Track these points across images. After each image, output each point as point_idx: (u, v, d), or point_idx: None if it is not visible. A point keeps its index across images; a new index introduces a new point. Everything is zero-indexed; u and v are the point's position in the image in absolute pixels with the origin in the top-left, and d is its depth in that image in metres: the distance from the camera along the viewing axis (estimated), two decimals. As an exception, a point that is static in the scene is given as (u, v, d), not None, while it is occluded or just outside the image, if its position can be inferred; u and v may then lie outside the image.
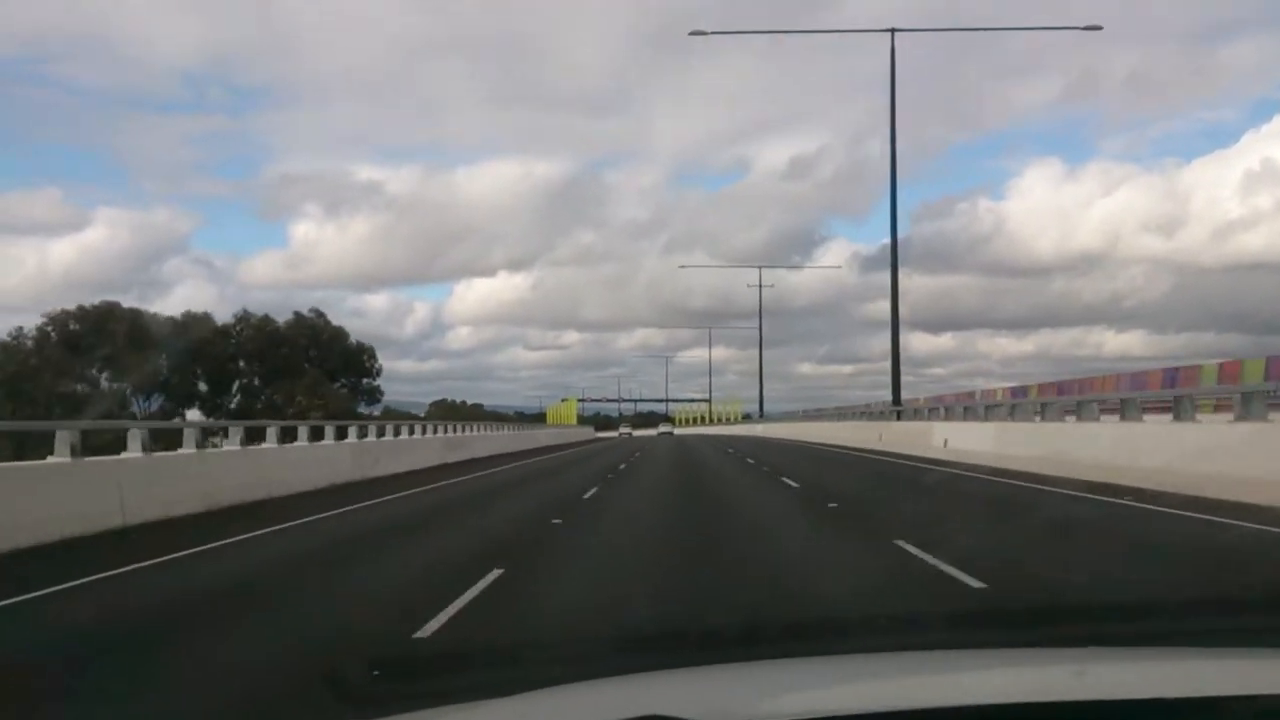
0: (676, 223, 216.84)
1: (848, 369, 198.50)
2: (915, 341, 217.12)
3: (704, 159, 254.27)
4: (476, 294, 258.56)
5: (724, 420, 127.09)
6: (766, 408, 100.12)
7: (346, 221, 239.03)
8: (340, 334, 71.69)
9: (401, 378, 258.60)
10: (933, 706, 1.77)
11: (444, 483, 23.16)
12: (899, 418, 35.10)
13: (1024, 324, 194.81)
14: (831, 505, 15.52)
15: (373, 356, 75.55)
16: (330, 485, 20.67)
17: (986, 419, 24.56)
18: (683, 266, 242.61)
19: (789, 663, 2.76)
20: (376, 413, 69.94)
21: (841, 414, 51.61)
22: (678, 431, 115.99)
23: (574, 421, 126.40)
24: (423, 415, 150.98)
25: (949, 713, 1.72)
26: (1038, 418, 22.62)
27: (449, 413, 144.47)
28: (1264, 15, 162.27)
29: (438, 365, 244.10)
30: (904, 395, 79.36)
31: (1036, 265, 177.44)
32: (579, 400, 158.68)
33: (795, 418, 71.88)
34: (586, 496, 17.81)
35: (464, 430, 38.71)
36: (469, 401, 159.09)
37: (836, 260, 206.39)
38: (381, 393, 77.83)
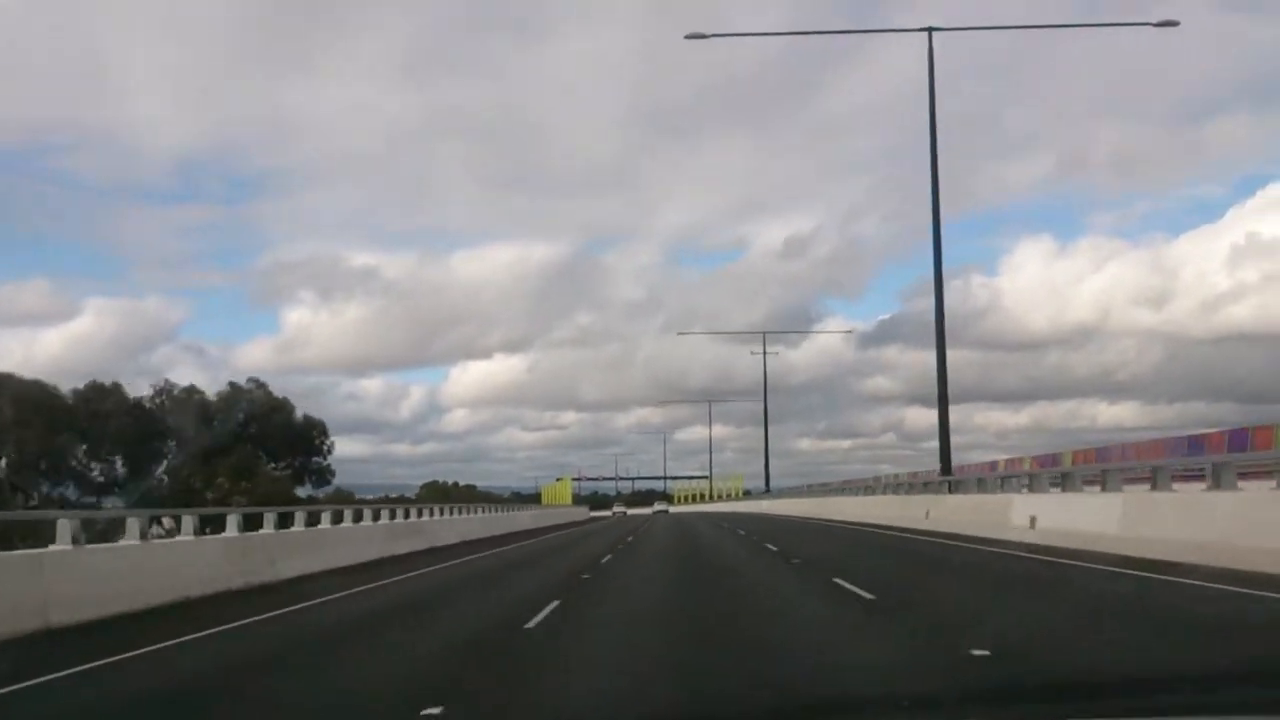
0: (673, 302, 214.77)
1: (846, 444, 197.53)
2: (911, 415, 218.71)
3: (701, 239, 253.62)
4: (472, 376, 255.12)
5: (725, 497, 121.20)
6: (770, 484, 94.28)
7: (340, 306, 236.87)
8: (283, 406, 64.14)
9: (397, 461, 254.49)
10: None
11: (362, 588, 16.62)
12: (951, 489, 28.66)
13: (1018, 397, 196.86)
14: (979, 653, 7.92)
15: (323, 433, 68.25)
16: (176, 600, 14.17)
17: (1107, 488, 18.00)
18: (681, 333, 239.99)
19: None
20: (321, 496, 63.12)
21: (871, 487, 45.02)
22: (676, 510, 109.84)
23: (569, 501, 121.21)
24: (414, 498, 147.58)
25: None
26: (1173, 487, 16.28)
27: (440, 495, 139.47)
28: (1246, 93, 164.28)
29: (434, 448, 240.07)
30: (902, 470, 74.18)
31: (1030, 339, 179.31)
32: (575, 479, 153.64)
33: (805, 492, 65.46)
34: (535, 622, 11.09)
35: (421, 515, 32.08)
36: (462, 483, 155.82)
37: (834, 339, 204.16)
38: (332, 473, 70.55)
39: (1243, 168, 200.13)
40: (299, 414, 67.83)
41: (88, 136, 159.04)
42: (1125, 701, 4.58)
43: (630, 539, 32.72)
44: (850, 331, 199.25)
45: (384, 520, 27.02)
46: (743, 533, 33.15)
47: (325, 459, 68.82)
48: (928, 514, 28.15)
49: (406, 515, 30.63)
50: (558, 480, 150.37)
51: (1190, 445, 31.76)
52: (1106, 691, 5.51)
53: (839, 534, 30.03)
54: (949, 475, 29.90)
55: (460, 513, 38.06)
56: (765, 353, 78.53)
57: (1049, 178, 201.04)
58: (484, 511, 43.58)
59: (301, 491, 60.30)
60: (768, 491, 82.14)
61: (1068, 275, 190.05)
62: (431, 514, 33.52)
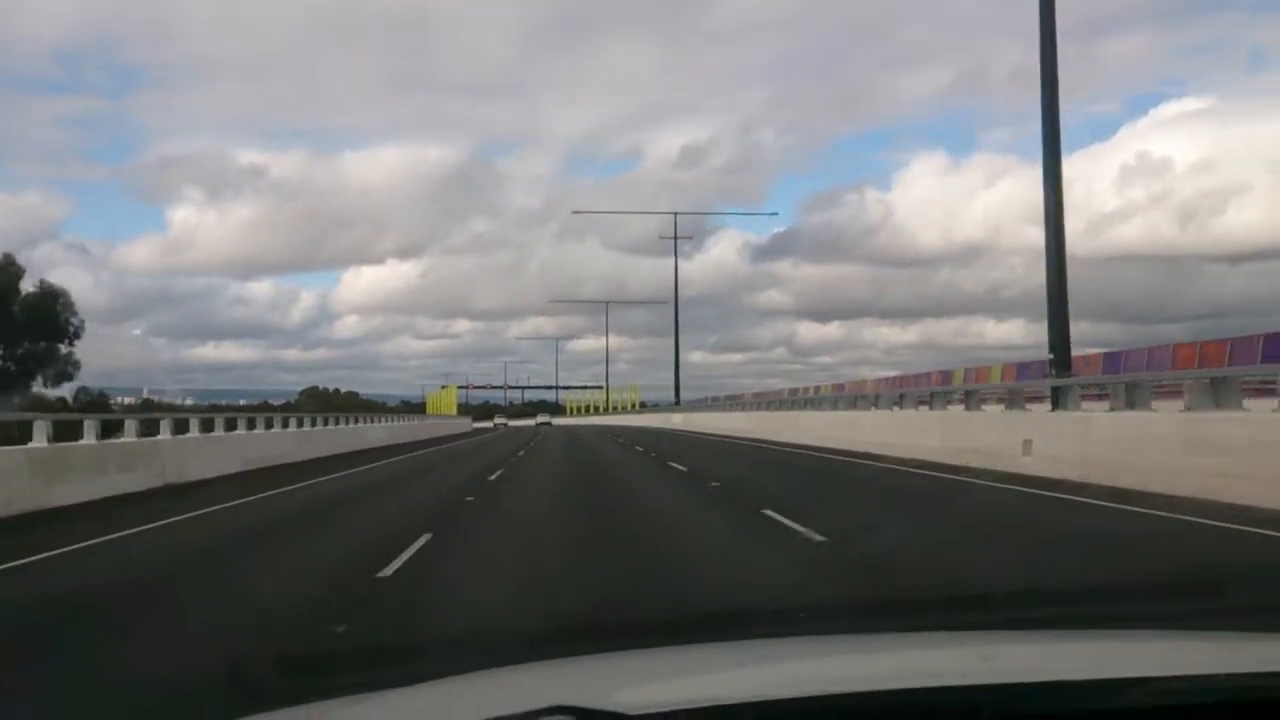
0: (569, 209, 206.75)
1: (738, 357, 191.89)
2: (803, 330, 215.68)
3: (598, 146, 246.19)
4: (365, 282, 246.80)
5: (623, 409, 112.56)
6: (664, 395, 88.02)
7: (228, 206, 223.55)
8: (6, 270, 49.16)
9: (286, 366, 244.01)
10: (840, 692, 1.70)
11: None
12: (1057, 404, 17.86)
13: (908, 313, 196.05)
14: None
15: (70, 310, 52.20)
16: None
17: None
18: (576, 212, 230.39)
19: (692, 649, 2.77)
20: (67, 396, 51.08)
21: (863, 398, 30.29)
22: (564, 422, 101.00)
23: (453, 411, 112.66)
24: (293, 404, 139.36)
25: (855, 698, 1.64)
26: None
27: (321, 403, 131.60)
28: (1145, 12, 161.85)
29: (325, 354, 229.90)
30: (790, 385, 66.93)
31: (921, 255, 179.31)
32: (462, 388, 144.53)
33: (730, 405, 55.80)
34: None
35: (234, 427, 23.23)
36: (344, 390, 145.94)
37: (728, 252, 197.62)
38: (76, 365, 53.99)
39: (1137, 86, 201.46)
40: (30, 284, 51.41)
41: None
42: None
43: (521, 453, 28.84)
44: (775, 214, 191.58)
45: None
46: (660, 460, 25.14)
47: (70, 344, 52.50)
48: (1027, 445, 19.81)
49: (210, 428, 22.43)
50: (442, 388, 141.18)
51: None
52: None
53: (870, 483, 17.20)
54: (1066, 375, 18.64)
55: (286, 425, 28.95)
56: (676, 236, 68.33)
57: (947, 92, 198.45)
58: (332, 423, 34.62)
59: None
60: (677, 404, 72.47)
61: (960, 191, 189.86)
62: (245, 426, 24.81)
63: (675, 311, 70.02)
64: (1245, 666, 1.81)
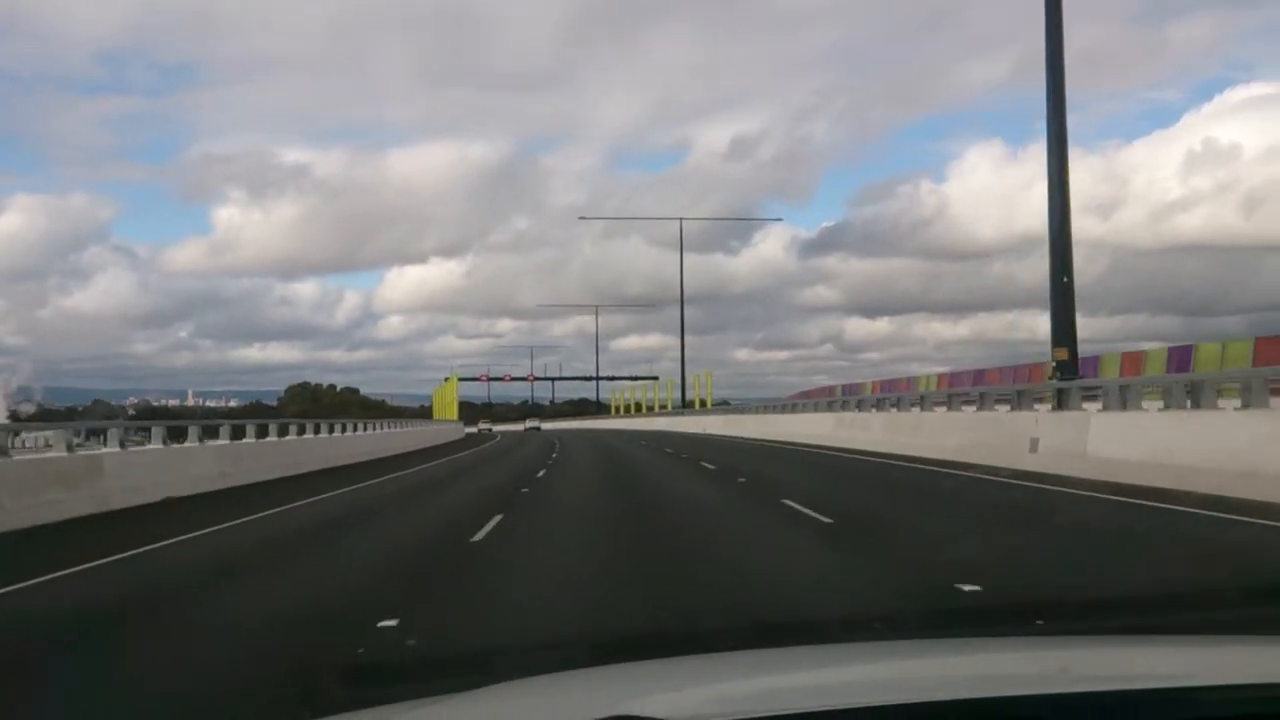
0: (612, 206, 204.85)
1: (783, 355, 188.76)
2: (851, 326, 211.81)
3: (643, 140, 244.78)
4: (408, 281, 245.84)
5: (667, 409, 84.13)
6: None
7: (272, 205, 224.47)
8: None
9: (332, 367, 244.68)
10: (925, 700, 1.65)
11: None
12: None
13: (960, 308, 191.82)
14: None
15: None
16: None
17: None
18: (582, 218, 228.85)
19: (760, 654, 2.78)
20: None
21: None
22: (596, 426, 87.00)
23: (452, 415, 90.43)
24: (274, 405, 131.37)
25: (936, 707, 1.60)
26: None
27: (310, 402, 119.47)
28: None
29: (369, 354, 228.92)
30: (838, 383, 62.94)
31: (975, 248, 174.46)
32: (470, 379, 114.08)
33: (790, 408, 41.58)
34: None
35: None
36: (346, 389, 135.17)
37: (775, 248, 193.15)
38: None
39: (1203, 72, 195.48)
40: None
41: (4, 22, 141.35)
42: None
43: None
44: (780, 219, 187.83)
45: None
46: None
47: None
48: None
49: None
50: (445, 380, 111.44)
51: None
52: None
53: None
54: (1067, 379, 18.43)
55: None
56: (682, 238, 65.62)
57: (1006, 80, 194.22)
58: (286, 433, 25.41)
59: None
60: (684, 407, 67.69)
61: (1017, 181, 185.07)
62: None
63: (681, 315, 68.87)
64: None
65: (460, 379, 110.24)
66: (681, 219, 71.93)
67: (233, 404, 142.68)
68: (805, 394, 59.41)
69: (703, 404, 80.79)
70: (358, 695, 3.82)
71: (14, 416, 57.91)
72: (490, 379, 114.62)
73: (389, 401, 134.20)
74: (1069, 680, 1.82)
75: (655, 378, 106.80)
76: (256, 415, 64.92)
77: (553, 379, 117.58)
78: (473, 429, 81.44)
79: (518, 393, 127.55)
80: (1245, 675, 1.78)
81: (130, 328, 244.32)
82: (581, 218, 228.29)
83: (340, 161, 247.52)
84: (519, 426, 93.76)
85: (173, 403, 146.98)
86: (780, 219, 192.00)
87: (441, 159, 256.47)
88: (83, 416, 61.57)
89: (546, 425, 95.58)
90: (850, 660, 2.32)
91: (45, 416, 61.75)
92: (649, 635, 5.91)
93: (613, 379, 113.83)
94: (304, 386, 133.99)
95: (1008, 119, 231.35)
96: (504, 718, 1.85)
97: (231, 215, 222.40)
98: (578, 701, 1.85)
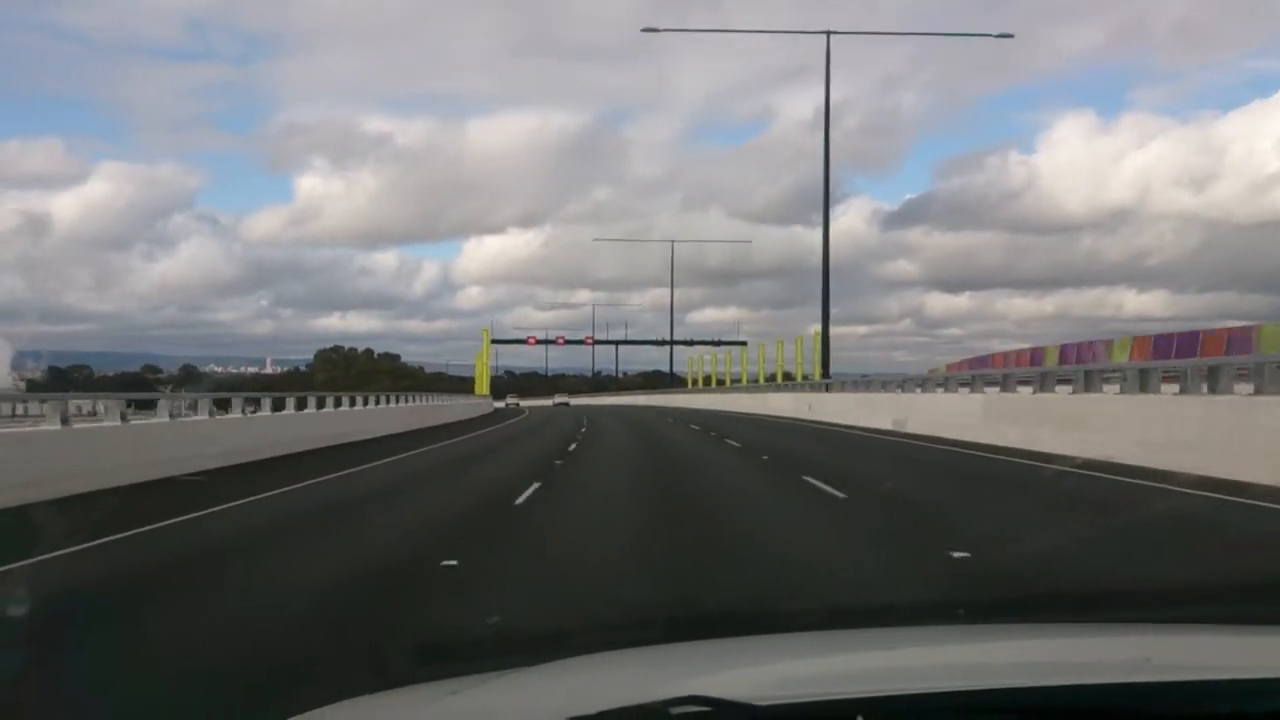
0: (692, 178, 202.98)
1: (863, 330, 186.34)
2: (931, 301, 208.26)
3: (725, 109, 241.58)
4: (486, 251, 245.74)
5: (758, 383, 73.84)
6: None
7: (354, 175, 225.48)
8: None
9: (411, 337, 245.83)
10: (989, 687, 1.61)
11: None
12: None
13: (1044, 284, 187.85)
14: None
15: None
16: None
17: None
18: (597, 240, 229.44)
19: (820, 635, 2.72)
20: None
21: None
22: (667, 402, 75.09)
23: (482, 388, 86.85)
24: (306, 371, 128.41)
25: (1008, 693, 1.55)
26: None
27: (342, 370, 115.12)
28: None
29: (447, 325, 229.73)
30: (918, 359, 58.84)
31: (1063, 222, 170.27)
32: (512, 342, 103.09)
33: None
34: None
35: None
36: (375, 353, 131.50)
37: (857, 221, 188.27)
38: None
39: None
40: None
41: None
42: None
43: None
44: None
45: None
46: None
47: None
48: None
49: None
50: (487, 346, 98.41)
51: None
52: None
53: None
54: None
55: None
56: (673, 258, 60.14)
57: (1101, 48, 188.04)
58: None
59: None
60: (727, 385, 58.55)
61: (1109, 153, 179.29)
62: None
63: (671, 300, 65.98)
64: None
65: (504, 341, 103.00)
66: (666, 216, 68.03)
67: (277, 370, 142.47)
68: (975, 364, 46.65)
69: (804, 378, 62.75)
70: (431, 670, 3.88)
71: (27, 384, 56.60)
72: (539, 341, 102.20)
73: (448, 372, 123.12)
74: (1160, 669, 1.78)
75: (743, 343, 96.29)
76: (289, 385, 64.14)
77: (616, 342, 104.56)
78: (500, 404, 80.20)
79: (579, 363, 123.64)
80: None
81: (214, 295, 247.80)
82: (596, 240, 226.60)
83: (421, 131, 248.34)
84: (547, 401, 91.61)
85: (251, 369, 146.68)
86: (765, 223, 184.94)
87: (521, 129, 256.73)
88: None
89: (611, 400, 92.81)
90: (939, 642, 2.31)
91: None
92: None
93: (690, 343, 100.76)
94: (335, 351, 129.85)
95: (1100, 88, 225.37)
96: (567, 694, 1.87)
97: (313, 184, 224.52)
98: (639, 680, 1.87)
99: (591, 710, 1.45)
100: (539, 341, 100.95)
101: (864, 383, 36.84)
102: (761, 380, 77.00)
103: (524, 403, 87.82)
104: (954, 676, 1.84)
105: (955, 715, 1.49)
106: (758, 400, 52.23)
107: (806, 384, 47.81)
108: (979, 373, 28.82)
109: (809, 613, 5.82)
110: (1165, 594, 6.51)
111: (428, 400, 43.48)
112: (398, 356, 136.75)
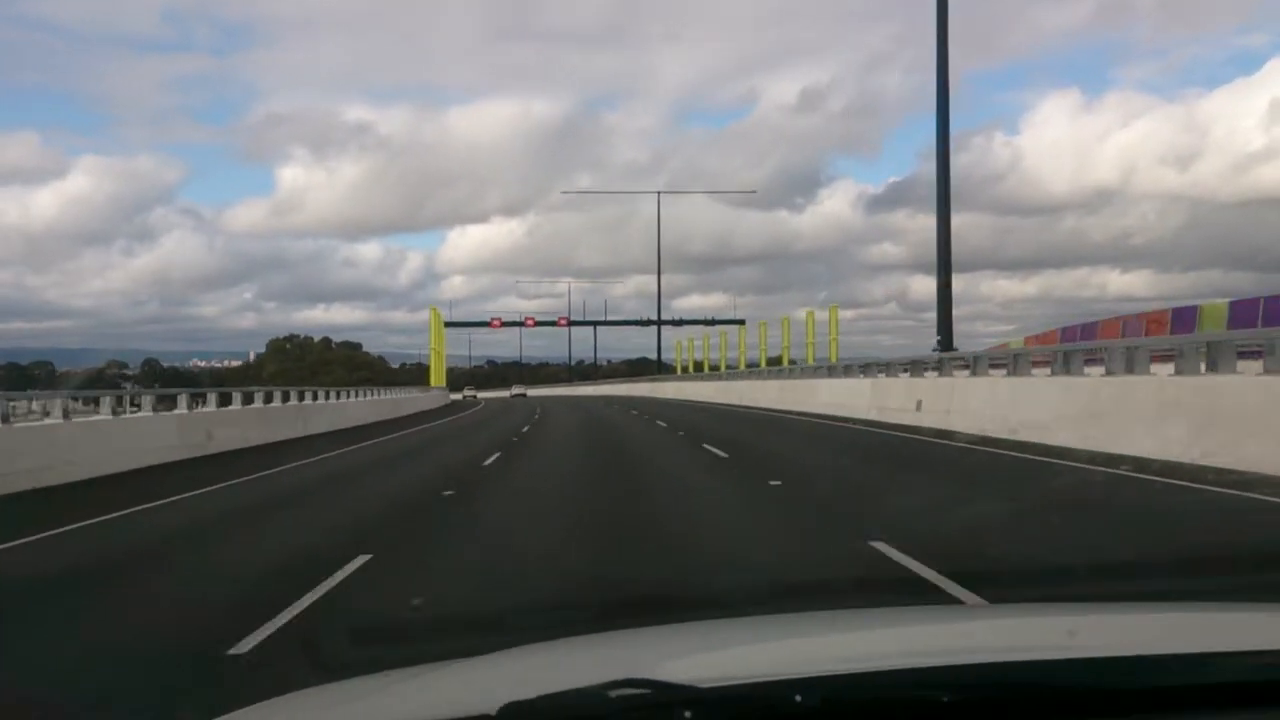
0: (676, 163, 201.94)
1: (848, 314, 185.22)
2: (916, 284, 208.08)
3: (708, 93, 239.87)
4: (470, 241, 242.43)
5: (759, 367, 62.83)
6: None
7: (334, 164, 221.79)
8: None
9: (395, 328, 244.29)
10: (920, 666, 1.67)
11: None
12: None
13: (1028, 265, 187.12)
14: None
15: None
16: None
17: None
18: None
19: (762, 620, 2.75)
20: None
21: None
22: (648, 393, 66.84)
23: (440, 380, 77.36)
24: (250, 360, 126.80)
25: (936, 672, 1.60)
26: None
27: (294, 360, 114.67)
28: None
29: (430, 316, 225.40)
30: (902, 343, 55.88)
31: (1047, 202, 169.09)
32: (476, 325, 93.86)
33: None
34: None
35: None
36: (333, 343, 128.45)
37: (841, 205, 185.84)
38: None
39: None
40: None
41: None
42: None
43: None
44: (738, 191, 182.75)
45: None
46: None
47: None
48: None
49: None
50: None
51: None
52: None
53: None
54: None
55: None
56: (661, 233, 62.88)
57: (1085, 25, 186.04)
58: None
59: None
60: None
61: (1093, 132, 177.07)
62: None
63: (658, 268, 66.76)
64: None
65: (460, 324, 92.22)
66: (659, 191, 69.20)
67: (233, 364, 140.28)
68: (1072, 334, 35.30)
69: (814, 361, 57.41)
70: (366, 655, 3.89)
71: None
72: (505, 324, 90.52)
73: (424, 363, 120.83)
74: (1082, 648, 1.80)
75: (741, 321, 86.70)
76: (239, 379, 61.88)
77: (594, 323, 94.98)
78: (457, 395, 77.37)
79: (564, 352, 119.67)
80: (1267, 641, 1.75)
81: (196, 289, 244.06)
82: (564, 192, 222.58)
83: (402, 120, 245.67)
84: (506, 393, 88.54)
85: (235, 364, 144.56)
86: (754, 190, 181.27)
87: (503, 117, 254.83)
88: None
89: (591, 389, 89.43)
90: (846, 625, 2.34)
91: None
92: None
93: (679, 323, 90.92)
94: (290, 340, 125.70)
95: (1085, 66, 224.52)
96: (513, 682, 1.84)
97: (295, 175, 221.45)
98: (581, 666, 1.88)
99: (531, 695, 1.46)
100: (505, 324, 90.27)
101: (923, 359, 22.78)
102: (763, 365, 65.39)
103: (481, 394, 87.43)
104: (890, 657, 1.87)
105: (891, 693, 1.51)
106: (793, 391, 34.11)
107: (902, 365, 25.64)
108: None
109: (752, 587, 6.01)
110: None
111: (354, 397, 36.86)
112: (359, 345, 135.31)
